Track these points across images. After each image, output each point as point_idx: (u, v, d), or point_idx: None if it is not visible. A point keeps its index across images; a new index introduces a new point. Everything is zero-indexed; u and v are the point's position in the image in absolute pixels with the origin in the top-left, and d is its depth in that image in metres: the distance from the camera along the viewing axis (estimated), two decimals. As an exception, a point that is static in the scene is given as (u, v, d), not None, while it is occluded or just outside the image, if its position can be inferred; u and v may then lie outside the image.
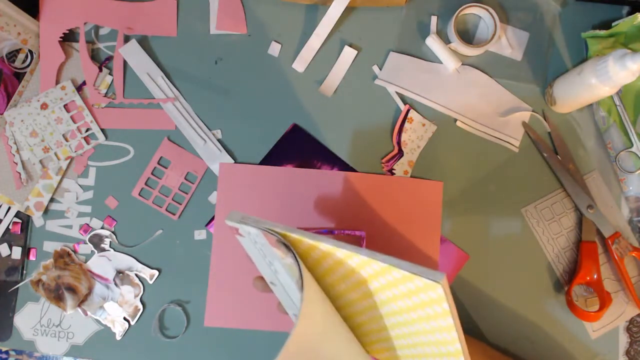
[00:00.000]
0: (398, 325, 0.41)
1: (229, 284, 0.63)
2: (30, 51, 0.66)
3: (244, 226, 0.40)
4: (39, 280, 0.63)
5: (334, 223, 0.64)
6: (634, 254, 0.62)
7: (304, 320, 0.35)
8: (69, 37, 0.66)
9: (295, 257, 0.39)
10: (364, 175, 0.65)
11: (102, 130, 0.66)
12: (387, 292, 0.38)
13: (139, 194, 0.65)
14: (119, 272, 0.64)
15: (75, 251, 0.64)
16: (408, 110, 0.65)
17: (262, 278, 0.51)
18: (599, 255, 0.64)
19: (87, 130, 0.65)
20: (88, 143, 0.65)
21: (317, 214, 0.64)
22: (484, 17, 0.66)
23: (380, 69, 0.66)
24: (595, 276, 0.62)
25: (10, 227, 0.65)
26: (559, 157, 0.65)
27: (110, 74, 0.66)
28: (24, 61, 0.66)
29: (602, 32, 0.63)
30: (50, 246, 0.65)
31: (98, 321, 0.64)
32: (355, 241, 0.63)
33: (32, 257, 0.65)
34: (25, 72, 0.65)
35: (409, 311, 0.38)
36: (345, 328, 0.45)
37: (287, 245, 0.39)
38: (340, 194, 0.64)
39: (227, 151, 0.65)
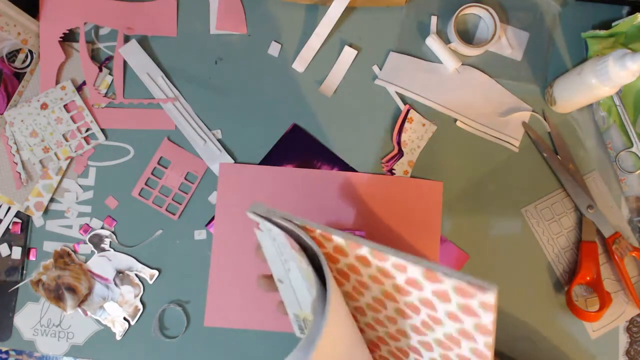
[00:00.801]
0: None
1: (229, 284, 0.63)
2: (30, 51, 0.66)
3: (266, 222, 0.39)
4: (39, 280, 0.63)
5: (334, 223, 0.64)
6: (634, 254, 0.62)
7: (327, 340, 0.34)
8: (69, 37, 0.66)
9: (317, 266, 0.38)
10: (364, 175, 0.65)
11: (102, 130, 0.66)
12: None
13: (139, 194, 0.65)
14: (119, 272, 0.64)
15: (75, 251, 0.64)
16: (408, 110, 0.65)
17: (267, 277, 0.51)
18: (599, 255, 0.64)
19: (87, 130, 0.65)
20: (88, 143, 0.65)
21: (316, 214, 0.64)
22: (484, 17, 0.66)
23: (380, 69, 0.66)
24: (595, 276, 0.62)
25: (10, 227, 0.65)
26: (558, 157, 0.65)
27: (110, 74, 0.66)
28: (24, 61, 0.66)
29: (602, 32, 0.63)
30: (50, 246, 0.65)
31: (98, 321, 0.64)
32: None
33: (32, 257, 0.65)
34: (25, 72, 0.65)
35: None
36: (363, 342, 0.45)
37: (310, 255, 0.38)
38: (340, 194, 0.64)
39: (227, 151, 0.65)
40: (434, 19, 0.67)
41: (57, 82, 0.65)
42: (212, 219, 0.65)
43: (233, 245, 0.64)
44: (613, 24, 0.64)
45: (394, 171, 0.65)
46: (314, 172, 0.65)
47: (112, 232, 0.65)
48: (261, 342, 0.63)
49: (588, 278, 0.62)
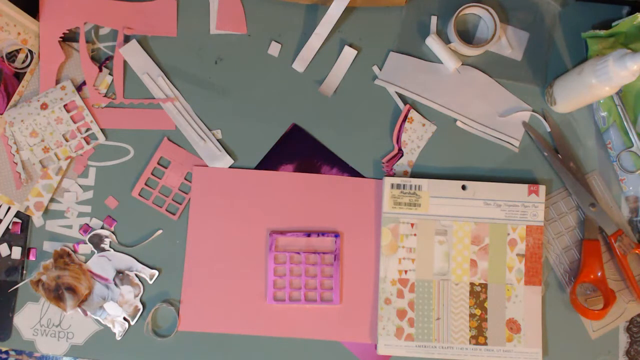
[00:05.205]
0: None
1: (204, 289, 0.63)
2: (30, 51, 0.66)
3: None
4: (39, 280, 0.63)
5: (307, 226, 0.64)
6: (637, 251, 0.62)
7: None
8: (69, 37, 0.66)
9: None
10: (337, 178, 0.64)
11: (102, 130, 0.66)
12: None
13: (139, 194, 0.65)
14: (119, 272, 0.64)
15: (75, 251, 0.64)
16: (408, 110, 0.65)
17: None
18: (602, 253, 0.63)
19: (87, 130, 0.65)
20: (88, 143, 0.65)
21: (288, 217, 0.64)
22: (484, 17, 0.66)
23: (380, 69, 0.66)
24: (599, 274, 0.62)
25: (10, 227, 0.65)
26: (559, 155, 0.65)
27: (110, 74, 0.66)
28: (24, 61, 0.66)
29: (602, 32, 0.63)
30: (50, 246, 0.65)
31: (98, 321, 0.64)
32: (331, 243, 0.63)
33: (32, 257, 0.65)
34: (25, 72, 0.65)
35: None
36: None
37: None
38: (315, 196, 0.64)
39: (227, 151, 0.65)
40: (434, 19, 0.67)
41: (57, 82, 0.65)
42: (212, 219, 0.65)
43: (208, 249, 0.64)
44: (613, 24, 0.64)
45: (394, 171, 0.65)
46: (287, 174, 0.64)
47: (112, 232, 0.65)
48: (261, 342, 0.63)
49: (592, 276, 0.62)
